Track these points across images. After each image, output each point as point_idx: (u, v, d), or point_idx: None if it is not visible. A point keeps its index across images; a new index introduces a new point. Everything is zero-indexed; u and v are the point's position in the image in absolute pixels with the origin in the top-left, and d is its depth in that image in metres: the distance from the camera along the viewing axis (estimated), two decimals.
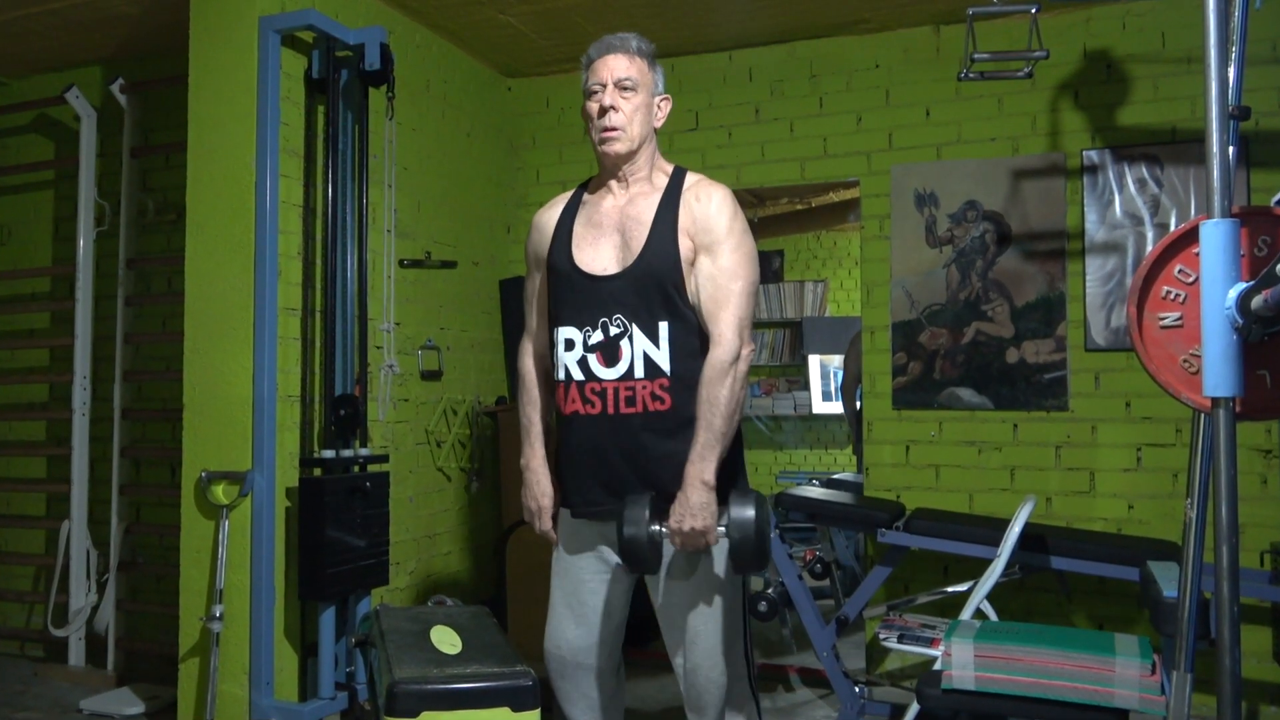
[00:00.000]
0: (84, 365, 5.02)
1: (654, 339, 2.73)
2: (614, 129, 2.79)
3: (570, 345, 2.80)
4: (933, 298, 4.92)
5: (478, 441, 5.32)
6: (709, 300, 2.73)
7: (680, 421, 2.72)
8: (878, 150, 5.06)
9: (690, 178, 2.86)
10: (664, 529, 2.66)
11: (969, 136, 4.90)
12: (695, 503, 2.62)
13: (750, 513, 2.59)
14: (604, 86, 2.81)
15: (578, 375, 2.79)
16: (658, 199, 2.81)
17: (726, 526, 2.63)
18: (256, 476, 3.95)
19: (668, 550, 2.75)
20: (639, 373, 2.73)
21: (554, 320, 2.87)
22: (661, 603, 2.85)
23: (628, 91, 2.81)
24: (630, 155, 2.83)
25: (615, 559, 2.85)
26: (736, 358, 2.68)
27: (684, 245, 2.74)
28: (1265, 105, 4.36)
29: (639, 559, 2.62)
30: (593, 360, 2.77)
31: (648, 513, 2.61)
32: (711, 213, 2.75)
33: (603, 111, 2.80)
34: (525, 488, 2.97)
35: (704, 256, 2.74)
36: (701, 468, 2.64)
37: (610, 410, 2.75)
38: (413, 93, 4.87)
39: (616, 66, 2.81)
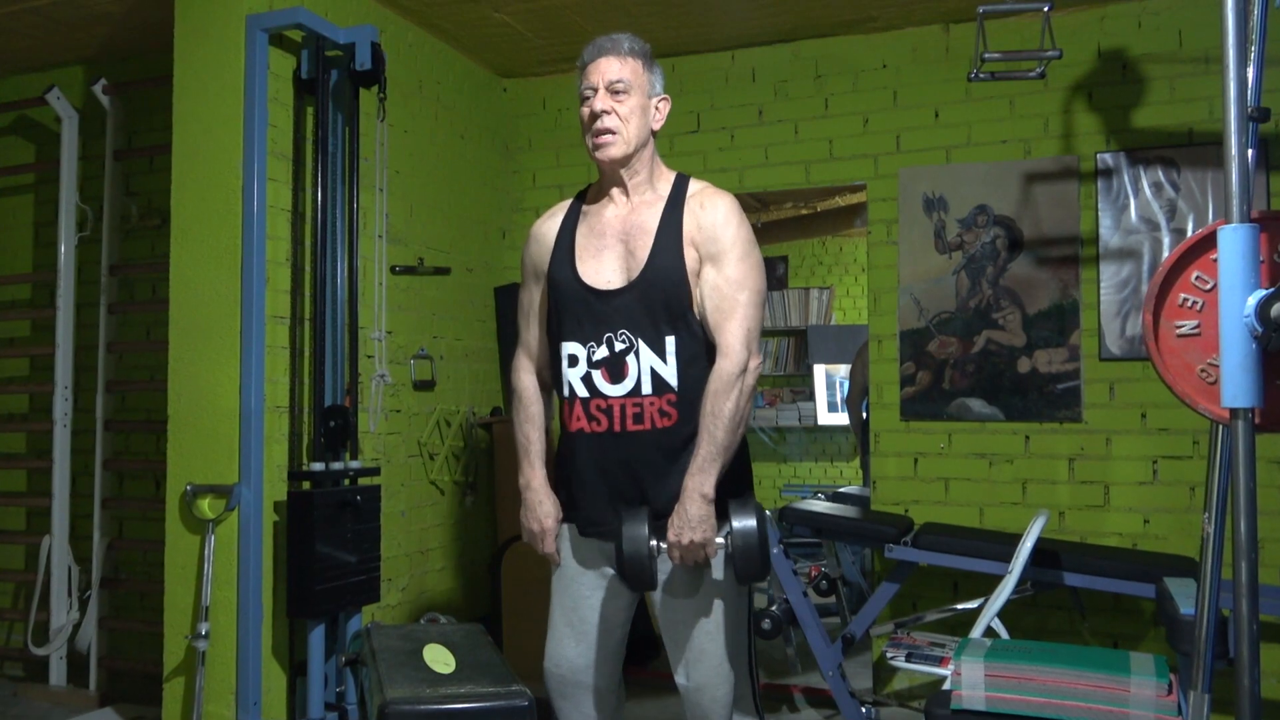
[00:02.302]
0: (65, 375, 5.02)
1: (660, 353, 2.73)
2: (607, 131, 2.79)
3: (574, 361, 2.80)
4: (942, 305, 4.92)
5: (472, 454, 5.32)
6: (715, 311, 2.73)
7: (688, 436, 2.73)
8: (885, 153, 5.07)
9: (694, 185, 2.87)
10: (662, 544, 2.67)
11: (979, 139, 4.91)
12: (694, 515, 2.63)
13: (752, 522, 2.60)
14: (595, 91, 2.81)
15: (582, 392, 2.79)
16: (661, 208, 2.82)
17: (727, 537, 2.63)
18: (243, 490, 3.94)
19: (665, 565, 2.76)
20: (646, 389, 2.73)
21: (556, 335, 2.87)
22: (664, 619, 2.85)
23: (620, 94, 2.81)
24: (626, 160, 2.83)
25: (617, 575, 2.85)
26: (743, 370, 2.69)
27: (689, 256, 2.75)
28: None
29: (639, 575, 2.62)
30: (598, 376, 2.77)
31: (646, 528, 2.62)
32: (718, 221, 2.76)
33: (594, 116, 2.80)
34: (526, 509, 2.95)
35: (709, 266, 2.75)
36: (701, 480, 2.64)
37: (617, 428, 2.75)
38: (405, 94, 4.88)
39: (608, 69, 2.81)
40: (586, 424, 2.79)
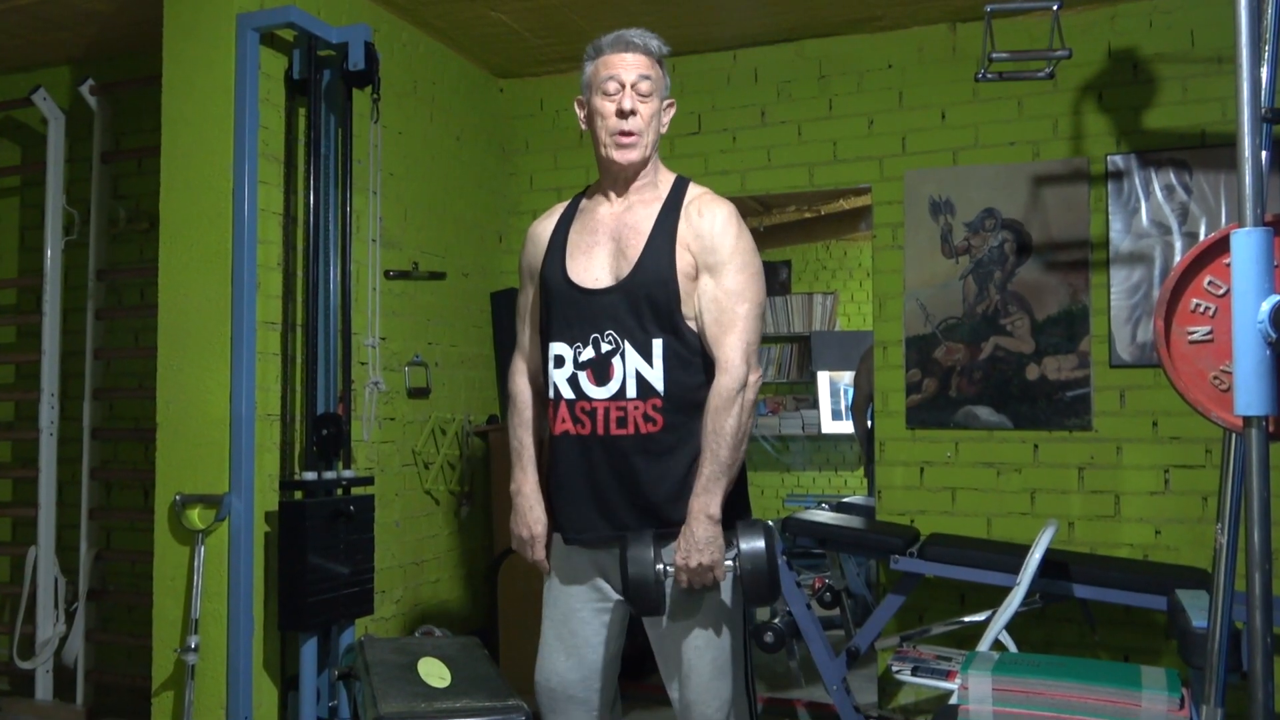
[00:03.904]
0: (51, 382, 5.01)
1: (647, 356, 2.72)
2: (630, 135, 2.78)
3: (560, 362, 2.80)
4: (949, 311, 4.92)
5: (468, 463, 5.32)
6: (713, 324, 2.72)
7: (673, 443, 2.72)
8: (890, 155, 5.08)
9: (693, 190, 2.86)
10: (669, 567, 2.66)
11: (987, 140, 4.91)
12: (701, 537, 2.62)
13: (760, 544, 2.60)
14: (623, 87, 2.78)
15: (568, 394, 2.78)
16: (658, 208, 2.81)
17: (735, 559, 2.63)
18: (234, 500, 3.94)
19: (670, 587, 2.75)
20: (631, 392, 2.72)
21: (545, 335, 2.87)
22: (653, 635, 2.84)
23: (645, 96, 2.80)
24: (643, 164, 2.83)
25: (609, 588, 2.85)
26: (744, 385, 2.68)
27: (682, 259, 2.74)
28: None
29: (645, 600, 2.62)
30: (583, 378, 2.76)
31: (651, 551, 2.62)
32: (716, 231, 2.75)
33: (623, 115, 2.78)
34: (516, 514, 2.95)
35: (707, 277, 2.74)
36: (707, 501, 2.64)
37: (600, 431, 2.74)
38: (399, 94, 4.89)
39: (637, 66, 2.79)
40: (571, 426, 2.78)
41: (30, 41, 5.09)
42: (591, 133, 2.87)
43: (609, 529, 2.75)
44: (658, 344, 2.72)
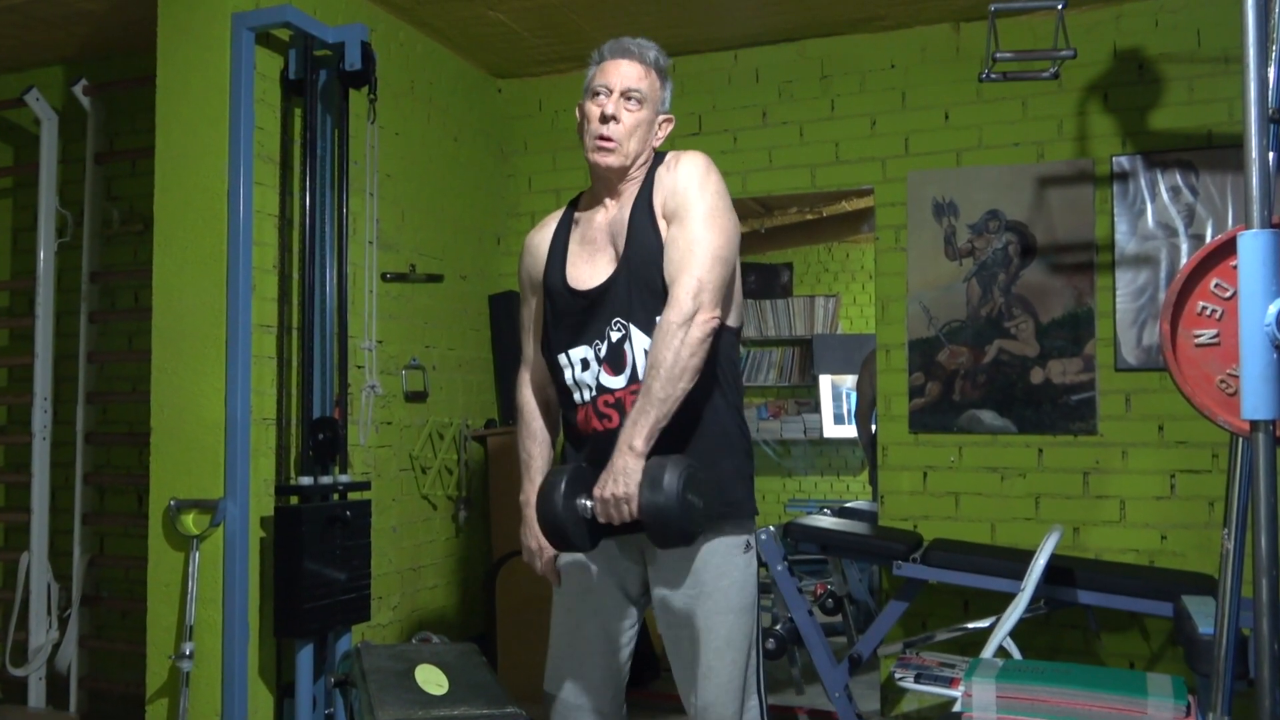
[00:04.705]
0: (44, 386, 5.01)
1: (651, 334, 2.70)
2: (609, 140, 2.78)
3: (586, 365, 2.78)
4: (952, 314, 4.92)
5: (466, 467, 5.32)
6: (673, 266, 2.67)
7: (691, 419, 2.69)
8: (893, 156, 5.08)
9: (666, 158, 2.84)
10: (589, 501, 2.61)
11: (991, 141, 4.92)
12: (619, 467, 2.55)
13: (667, 476, 2.48)
14: (610, 92, 2.79)
15: (590, 393, 2.76)
16: (637, 192, 2.81)
17: (641, 486, 2.53)
18: (229, 505, 3.94)
19: (667, 590, 2.74)
20: (643, 374, 2.68)
21: (560, 345, 2.85)
22: (668, 639, 2.84)
23: (633, 104, 2.79)
24: (622, 172, 2.83)
25: (621, 594, 2.85)
26: (688, 320, 2.59)
27: (664, 228, 2.73)
28: None
29: (553, 529, 2.59)
30: (603, 373, 2.75)
31: (564, 482, 2.59)
32: (680, 179, 2.73)
33: (604, 119, 2.78)
34: (525, 525, 2.94)
35: (673, 226, 2.71)
36: (632, 433, 2.57)
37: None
38: (396, 95, 4.89)
39: (629, 74, 2.80)
40: (599, 423, 2.75)
41: (23, 41, 5.10)
42: (579, 135, 2.88)
43: (632, 523, 2.70)
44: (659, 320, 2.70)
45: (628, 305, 2.73)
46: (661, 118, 2.89)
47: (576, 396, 2.81)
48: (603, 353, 2.75)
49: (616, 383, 2.73)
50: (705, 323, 2.61)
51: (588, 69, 2.89)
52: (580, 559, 2.88)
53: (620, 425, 2.65)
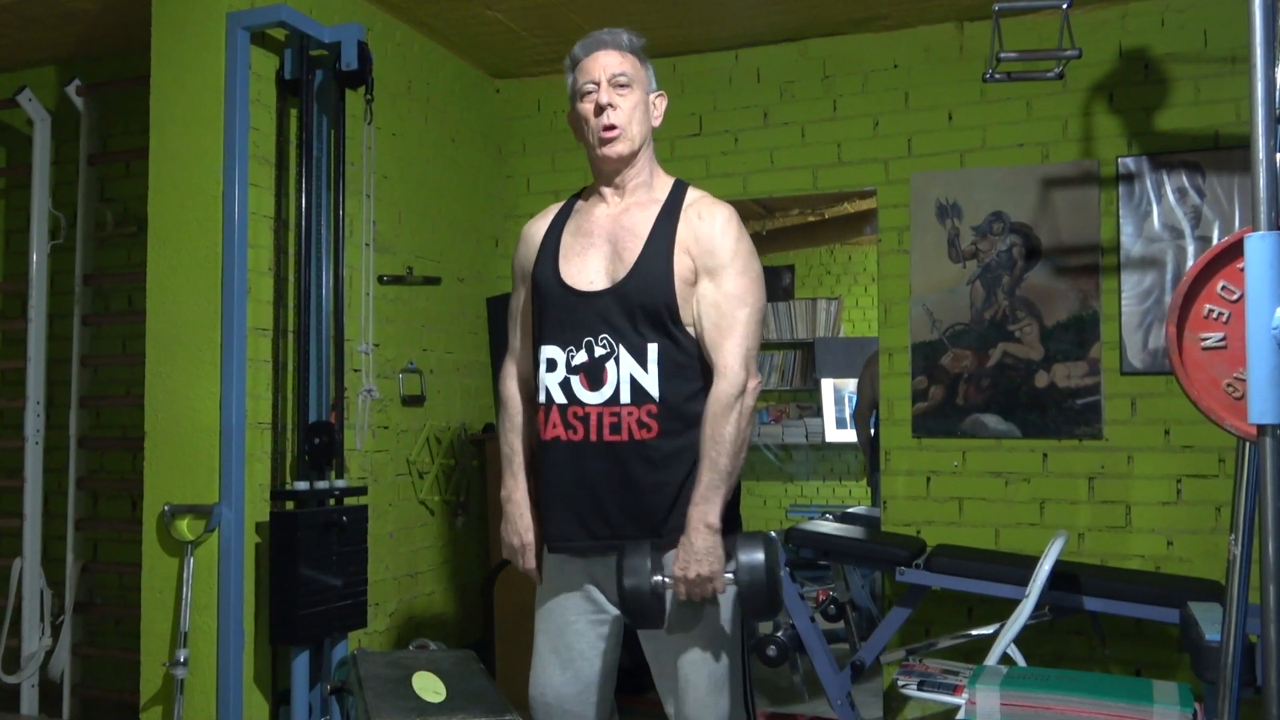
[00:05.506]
0: (37, 389, 5.01)
1: (642, 361, 2.71)
2: (614, 127, 2.78)
3: (552, 365, 2.79)
4: (956, 317, 4.92)
5: (463, 472, 5.32)
6: (712, 329, 2.72)
7: (669, 451, 2.71)
8: (896, 157, 5.08)
9: (692, 193, 2.86)
10: (666, 579, 2.65)
11: (995, 142, 4.92)
12: (700, 548, 2.61)
13: (760, 556, 2.58)
14: (598, 85, 2.80)
15: (559, 398, 2.77)
16: (656, 211, 2.81)
17: (735, 571, 2.61)
18: (224, 510, 3.94)
19: (669, 599, 2.74)
20: (625, 398, 2.71)
21: (537, 338, 2.87)
22: (648, 648, 2.83)
23: (623, 89, 2.81)
24: (632, 157, 2.83)
25: (603, 598, 2.84)
26: (742, 391, 2.67)
27: (681, 263, 2.73)
28: None
29: (642, 613, 2.61)
30: (576, 383, 2.75)
31: (649, 561, 2.60)
32: (716, 233, 2.75)
33: (600, 110, 2.79)
34: (506, 522, 2.95)
35: (707, 280, 2.74)
36: (705, 510, 2.62)
37: (593, 437, 2.73)
38: (393, 95, 4.89)
39: (609, 63, 2.81)
40: (563, 432, 2.76)
41: (15, 41, 5.10)
42: (584, 141, 2.88)
43: (601, 537, 2.74)
44: (653, 349, 2.72)
45: (619, 325, 2.73)
46: (654, 95, 2.91)
47: (540, 395, 2.82)
48: (576, 361, 2.75)
49: (592, 398, 2.73)
50: (754, 390, 2.73)
51: (566, 76, 2.90)
52: (564, 560, 2.87)
53: (585, 438, 2.73)
